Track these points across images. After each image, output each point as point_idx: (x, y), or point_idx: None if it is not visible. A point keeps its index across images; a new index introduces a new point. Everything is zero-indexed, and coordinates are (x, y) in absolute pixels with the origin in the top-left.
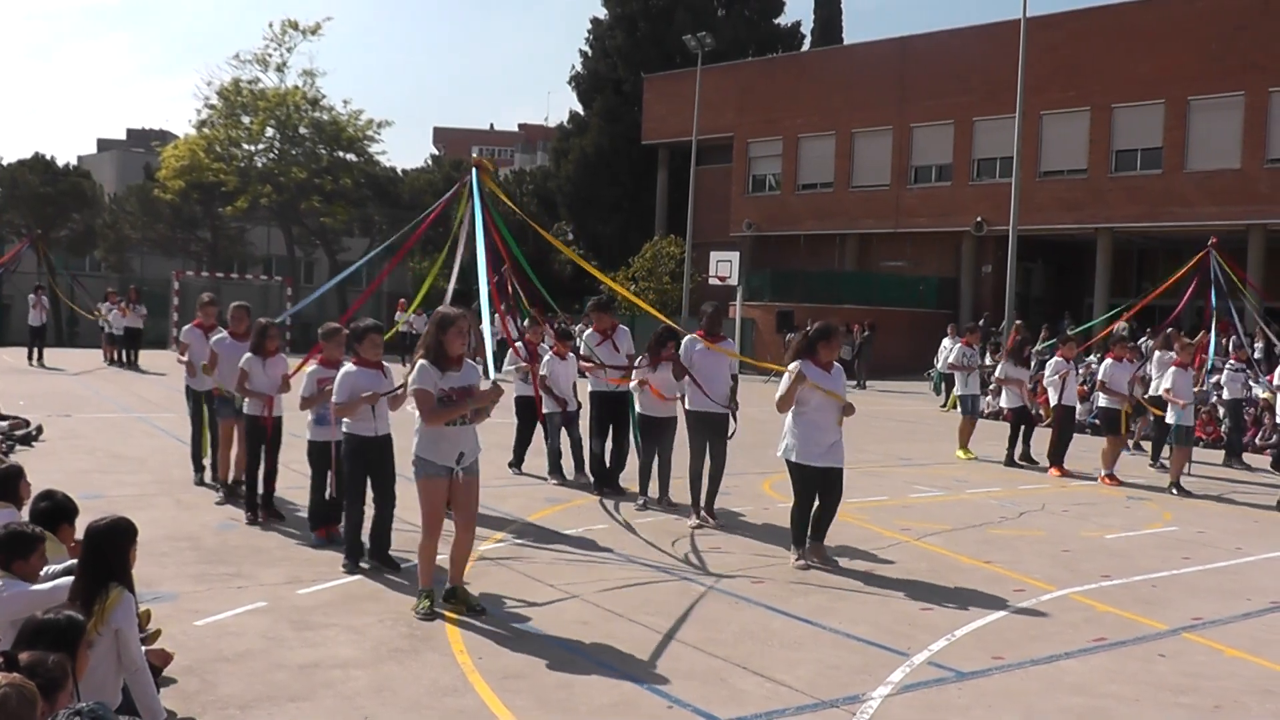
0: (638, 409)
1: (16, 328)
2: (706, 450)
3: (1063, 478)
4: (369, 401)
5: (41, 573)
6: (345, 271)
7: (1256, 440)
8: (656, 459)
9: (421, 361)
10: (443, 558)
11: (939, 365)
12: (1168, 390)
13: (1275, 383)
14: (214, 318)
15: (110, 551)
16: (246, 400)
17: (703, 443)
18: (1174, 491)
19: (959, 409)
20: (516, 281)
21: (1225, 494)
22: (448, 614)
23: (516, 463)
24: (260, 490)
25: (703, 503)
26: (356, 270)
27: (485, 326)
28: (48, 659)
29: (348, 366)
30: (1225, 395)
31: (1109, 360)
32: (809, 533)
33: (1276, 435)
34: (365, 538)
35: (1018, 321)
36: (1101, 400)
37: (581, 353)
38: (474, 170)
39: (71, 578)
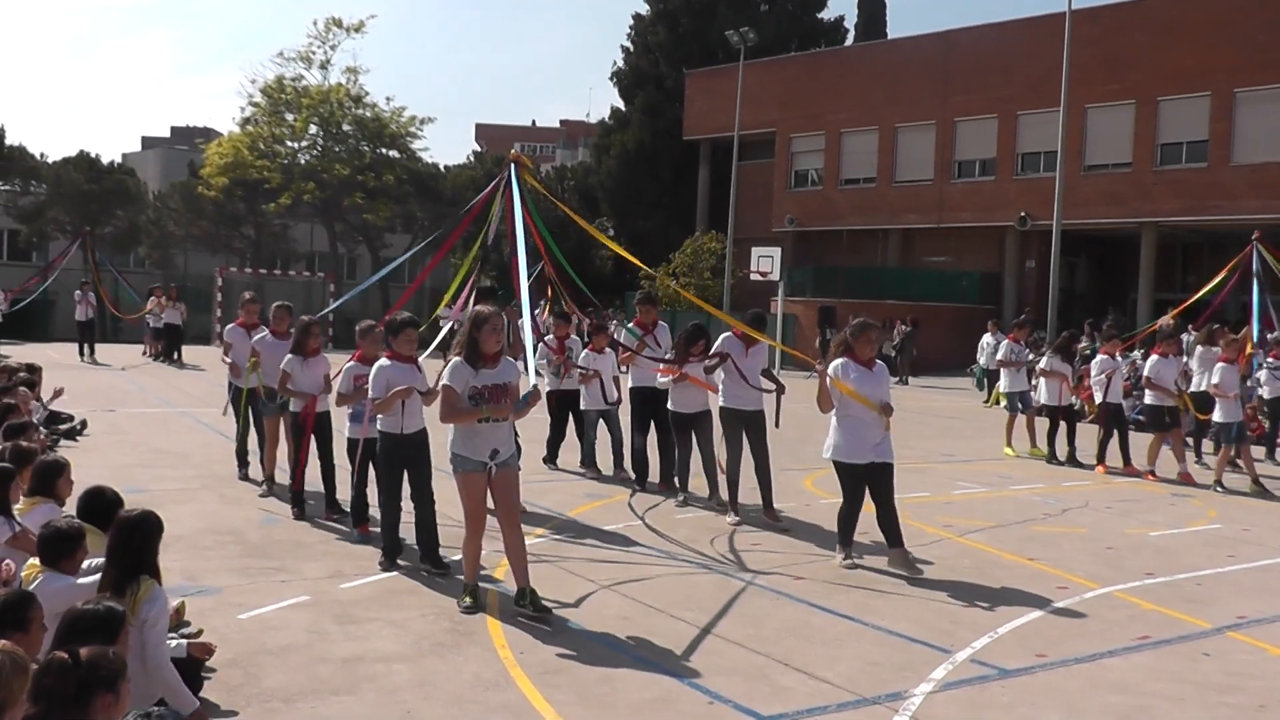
0: (669, 406)
1: (62, 324)
2: (742, 448)
3: (1109, 474)
4: (403, 395)
5: (84, 565)
6: (387, 268)
7: None
8: (699, 456)
9: (455, 359)
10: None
11: (981, 360)
12: (1215, 386)
13: None
14: (256, 316)
15: (142, 542)
16: (291, 399)
17: (737, 440)
18: (1218, 489)
19: (1006, 406)
20: (555, 277)
21: (1272, 491)
22: (489, 609)
23: (551, 458)
24: (322, 490)
25: (760, 503)
26: (398, 266)
27: (526, 323)
28: (108, 652)
29: (382, 361)
30: (1266, 394)
31: (1155, 356)
32: (887, 543)
33: None
34: (404, 537)
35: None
36: (1148, 397)
37: (622, 340)
38: (512, 166)
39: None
